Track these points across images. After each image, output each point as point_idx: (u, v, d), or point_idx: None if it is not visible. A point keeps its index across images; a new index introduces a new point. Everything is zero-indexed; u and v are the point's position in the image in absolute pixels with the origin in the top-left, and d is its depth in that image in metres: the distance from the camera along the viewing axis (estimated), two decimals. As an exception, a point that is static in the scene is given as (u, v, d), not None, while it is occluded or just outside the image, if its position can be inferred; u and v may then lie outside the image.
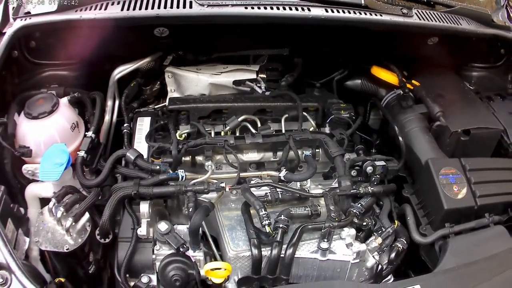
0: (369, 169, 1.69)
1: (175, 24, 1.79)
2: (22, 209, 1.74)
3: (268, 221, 1.52)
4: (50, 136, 1.74)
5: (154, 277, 1.59)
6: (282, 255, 1.52)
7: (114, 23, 1.70)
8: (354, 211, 1.61)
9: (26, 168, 1.74)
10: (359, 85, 2.06)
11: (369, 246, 1.59)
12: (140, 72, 2.01)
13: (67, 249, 1.62)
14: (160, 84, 2.06)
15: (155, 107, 1.99)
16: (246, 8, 1.69)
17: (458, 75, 2.10)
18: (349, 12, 1.74)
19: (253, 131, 1.85)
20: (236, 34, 1.92)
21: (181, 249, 1.55)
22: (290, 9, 1.71)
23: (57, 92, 1.88)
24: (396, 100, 1.93)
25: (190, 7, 1.68)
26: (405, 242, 1.60)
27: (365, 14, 1.75)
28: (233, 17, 1.71)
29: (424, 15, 1.85)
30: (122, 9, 1.69)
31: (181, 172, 1.66)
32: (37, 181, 1.77)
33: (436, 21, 1.85)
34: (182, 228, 1.66)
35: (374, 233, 1.62)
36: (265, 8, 1.69)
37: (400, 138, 1.79)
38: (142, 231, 1.59)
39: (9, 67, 1.73)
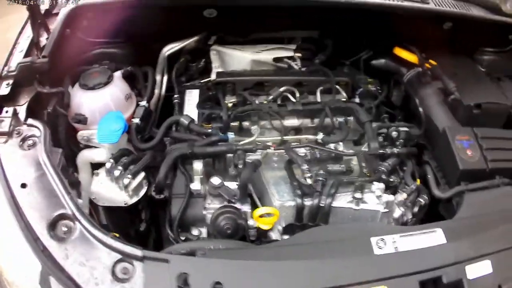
0: (394, 133, 2.32)
1: (223, 6, 2.38)
2: (75, 174, 2.24)
3: (310, 174, 2.08)
4: (105, 105, 2.26)
5: (204, 230, 2.09)
6: (321, 205, 2.06)
7: (167, 3, 2.29)
8: (382, 168, 2.18)
9: (81, 134, 2.25)
10: (383, 64, 2.70)
11: (395, 200, 2.13)
12: (186, 50, 2.59)
13: (125, 204, 2.15)
14: (204, 61, 2.67)
15: (201, 81, 2.58)
16: None
17: (470, 58, 2.71)
18: None
19: (293, 100, 2.48)
20: (272, 16, 2.53)
21: (232, 201, 2.08)
22: (326, -7, 2.28)
23: (109, 68, 2.41)
24: (416, 77, 2.56)
25: None
26: (427, 198, 2.15)
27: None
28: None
29: (440, 2, 2.47)
30: None
31: (230, 135, 2.23)
32: (90, 147, 2.27)
33: (450, 8, 2.47)
34: (228, 185, 2.14)
35: (399, 190, 2.16)
36: None
37: (420, 109, 2.40)
38: (195, 186, 2.09)
39: (62, 44, 2.25)
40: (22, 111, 2.08)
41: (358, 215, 2.12)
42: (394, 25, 2.58)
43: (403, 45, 2.66)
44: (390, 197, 2.13)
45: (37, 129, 2.00)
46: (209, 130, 2.27)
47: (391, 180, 2.21)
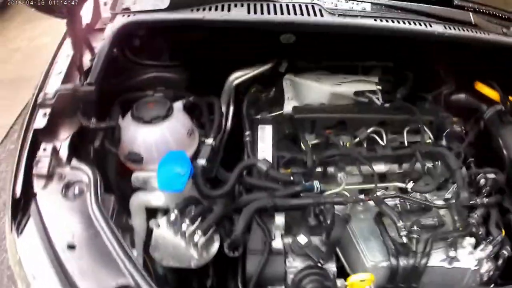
0: (482, 181, 1.77)
1: (302, 32, 1.79)
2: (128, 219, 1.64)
3: (406, 231, 1.56)
4: (164, 142, 1.64)
5: None
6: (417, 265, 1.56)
7: (242, 26, 1.66)
8: (473, 221, 1.67)
9: (137, 176, 1.63)
10: (464, 99, 2.12)
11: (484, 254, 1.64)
12: (256, 78, 1.97)
13: (195, 266, 1.55)
14: (274, 91, 2.03)
15: (272, 114, 1.95)
16: (375, 20, 1.71)
17: None
18: (463, 30, 1.80)
19: (382, 143, 1.87)
20: (348, 43, 1.94)
21: (321, 261, 1.52)
22: (415, 24, 1.74)
23: (165, 95, 1.79)
24: (496, 115, 2.01)
25: (321, 15, 1.67)
26: (510, 250, 1.66)
27: (476, 32, 1.83)
28: (361, 28, 1.72)
29: None
30: (248, 12, 1.64)
31: (316, 184, 1.65)
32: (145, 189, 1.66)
33: None
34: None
35: (483, 241, 1.66)
36: (393, 22, 1.72)
37: (505, 152, 1.87)
38: (277, 244, 1.57)
39: (109, 67, 1.62)
40: (63, 148, 1.47)
41: (448, 273, 1.64)
42: (473, 58, 1.99)
43: (484, 80, 2.06)
44: (482, 254, 1.63)
45: (84, 174, 1.42)
46: (291, 178, 1.66)
47: (480, 233, 1.68)
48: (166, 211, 1.65)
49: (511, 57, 1.96)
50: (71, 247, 1.25)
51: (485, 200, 1.75)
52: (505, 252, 1.66)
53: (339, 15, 1.70)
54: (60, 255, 1.23)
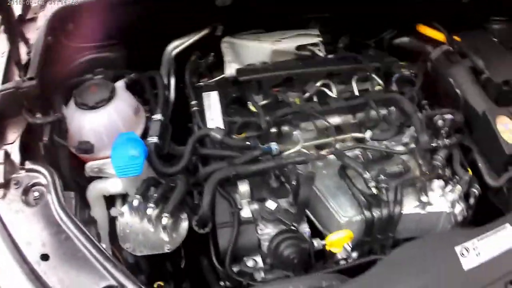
0: (440, 122, 1.79)
1: None
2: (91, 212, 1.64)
3: (373, 182, 1.59)
4: (113, 125, 1.60)
5: (258, 259, 1.55)
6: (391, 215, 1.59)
7: None
8: (437, 163, 1.73)
9: (90, 166, 1.60)
10: (408, 42, 2.15)
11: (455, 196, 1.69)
12: (194, 45, 1.93)
13: (168, 250, 1.55)
14: (213, 55, 1.99)
15: (214, 79, 1.92)
16: None
17: (483, 29, 2.19)
18: None
19: (332, 95, 1.88)
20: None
21: (293, 224, 1.53)
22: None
23: (105, 77, 1.73)
24: (444, 56, 2.03)
25: None
26: (479, 187, 1.73)
27: None
28: None
29: None
30: None
31: (273, 145, 1.65)
32: (101, 177, 1.64)
33: None
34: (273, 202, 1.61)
35: (450, 182, 1.72)
36: None
37: (458, 91, 1.89)
38: (246, 213, 1.56)
39: (47, 56, 1.56)
40: (14, 151, 1.44)
41: (423, 219, 1.69)
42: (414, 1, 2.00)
43: (426, 22, 2.11)
44: (454, 196, 1.68)
45: (40, 175, 1.39)
46: (248, 143, 1.66)
47: (446, 174, 1.74)
48: (124, 197, 1.64)
49: None
50: (45, 257, 1.22)
51: (446, 141, 1.79)
52: (474, 190, 1.74)
53: None
54: (36, 268, 1.21)
